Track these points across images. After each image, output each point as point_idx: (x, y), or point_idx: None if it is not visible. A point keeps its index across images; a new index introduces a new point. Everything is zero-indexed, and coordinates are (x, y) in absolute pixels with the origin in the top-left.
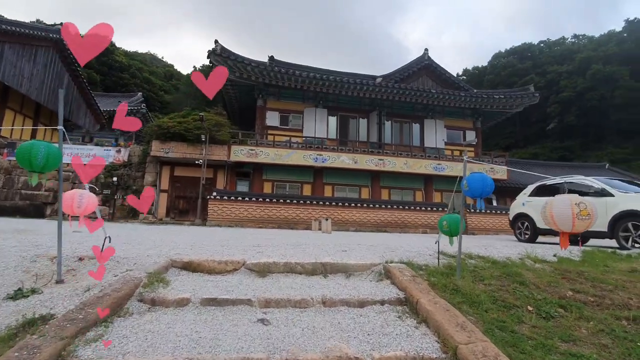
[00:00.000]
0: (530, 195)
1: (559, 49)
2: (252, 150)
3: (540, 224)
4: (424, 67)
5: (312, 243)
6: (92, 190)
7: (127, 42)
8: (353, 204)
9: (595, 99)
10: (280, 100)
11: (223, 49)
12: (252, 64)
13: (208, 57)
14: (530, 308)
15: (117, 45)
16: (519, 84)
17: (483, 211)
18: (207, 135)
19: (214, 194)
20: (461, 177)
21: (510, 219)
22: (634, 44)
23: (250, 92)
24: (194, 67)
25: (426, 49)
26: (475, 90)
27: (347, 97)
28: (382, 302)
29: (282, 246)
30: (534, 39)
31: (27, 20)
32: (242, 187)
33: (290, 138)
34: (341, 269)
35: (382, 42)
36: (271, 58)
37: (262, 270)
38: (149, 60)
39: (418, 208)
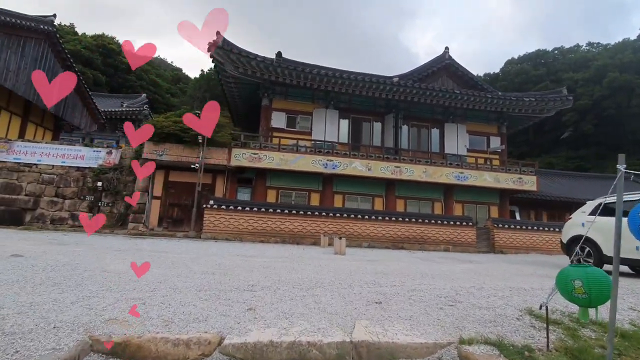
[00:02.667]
0: (591, 214)
1: (573, 57)
2: (255, 154)
3: (608, 250)
4: (444, 67)
5: (327, 280)
6: None
7: (136, 44)
8: (366, 217)
9: (612, 108)
10: (287, 100)
11: (225, 41)
12: (257, 59)
13: (208, 51)
14: None
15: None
16: (533, 90)
17: (519, 227)
18: (205, 136)
19: (211, 202)
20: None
21: (564, 241)
22: None
23: (255, 90)
24: (202, 70)
25: (447, 47)
26: (500, 93)
27: (361, 98)
28: None
29: (285, 289)
30: (546, 47)
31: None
32: (244, 194)
33: (298, 141)
34: (386, 355)
35: (391, 48)
36: (278, 54)
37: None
38: (157, 64)
39: (439, 222)
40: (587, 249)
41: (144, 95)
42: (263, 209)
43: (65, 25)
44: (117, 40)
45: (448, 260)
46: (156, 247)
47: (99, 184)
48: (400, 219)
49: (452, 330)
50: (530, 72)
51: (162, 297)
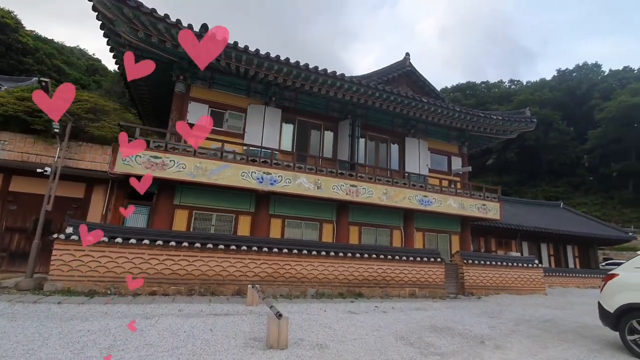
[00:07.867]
0: None
1: (497, 91)
2: (156, 157)
3: None
4: (405, 74)
5: None
6: None
7: (53, 30)
8: (314, 251)
9: (532, 139)
10: (212, 89)
11: None
12: (167, 22)
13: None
14: None
15: (30, 28)
16: None
17: (482, 262)
18: (69, 124)
19: (68, 230)
20: None
21: (610, 310)
22: (563, 92)
23: (167, 71)
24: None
25: (407, 53)
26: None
27: (311, 97)
28: None
29: None
30: (470, 80)
31: None
32: (139, 216)
33: (224, 145)
34: None
35: (334, 67)
36: (204, 26)
37: None
38: (73, 52)
39: (404, 258)
40: None
41: (34, 79)
42: (160, 242)
43: None
44: (15, 15)
45: (447, 335)
46: None
47: None
48: (358, 254)
49: None
50: (462, 101)
51: None
